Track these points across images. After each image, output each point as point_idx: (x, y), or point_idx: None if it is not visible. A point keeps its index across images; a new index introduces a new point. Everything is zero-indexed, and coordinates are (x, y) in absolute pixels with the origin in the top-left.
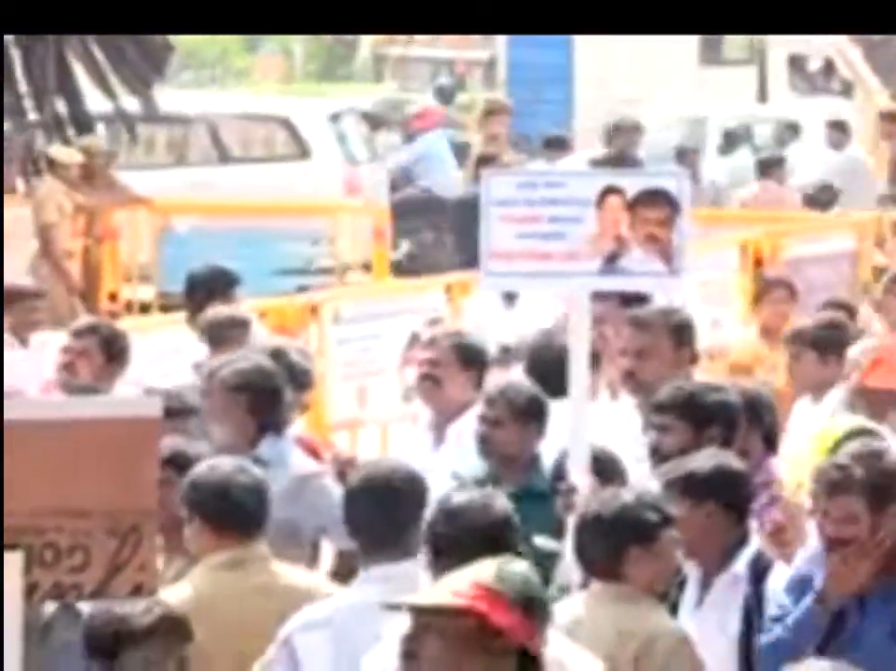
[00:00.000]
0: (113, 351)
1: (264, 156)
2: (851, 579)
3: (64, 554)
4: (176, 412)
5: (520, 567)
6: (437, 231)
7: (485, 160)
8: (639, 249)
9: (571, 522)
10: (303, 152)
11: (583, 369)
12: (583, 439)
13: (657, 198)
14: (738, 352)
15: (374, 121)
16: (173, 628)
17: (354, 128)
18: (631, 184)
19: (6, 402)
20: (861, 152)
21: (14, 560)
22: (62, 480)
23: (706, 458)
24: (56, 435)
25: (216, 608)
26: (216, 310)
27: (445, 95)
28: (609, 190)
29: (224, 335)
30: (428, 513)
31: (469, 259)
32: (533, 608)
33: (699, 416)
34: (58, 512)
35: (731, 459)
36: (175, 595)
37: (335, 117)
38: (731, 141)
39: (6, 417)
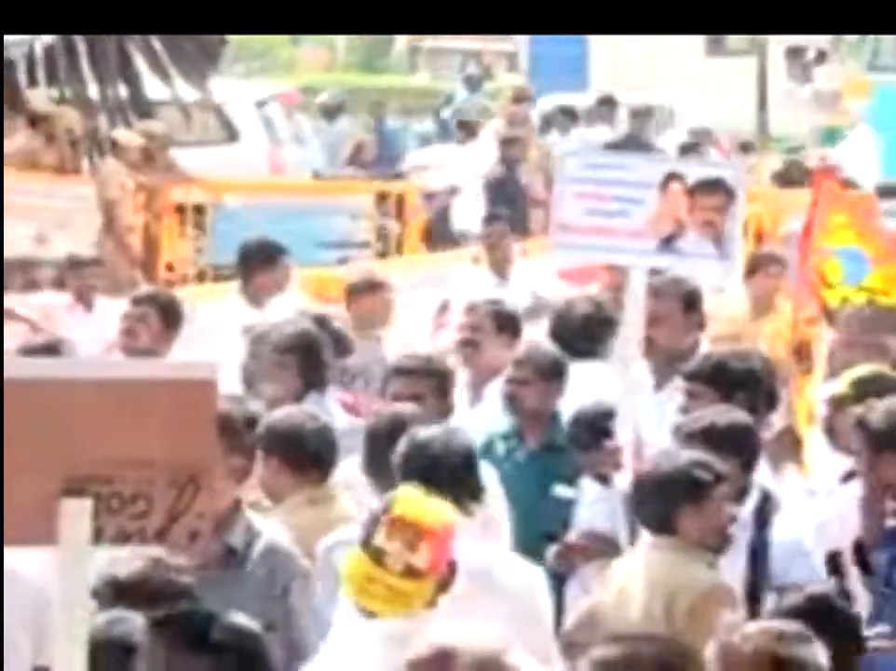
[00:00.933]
0: (169, 318)
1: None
2: None
3: (128, 501)
4: None
5: None
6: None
7: (510, 142)
8: (695, 232)
9: (618, 478)
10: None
11: (636, 335)
12: (632, 400)
13: (715, 187)
14: (723, 324)
15: (329, 110)
16: None
17: (278, 113)
18: (693, 171)
19: (75, 361)
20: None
21: (82, 506)
22: (128, 435)
23: (720, 414)
24: (122, 394)
25: (304, 541)
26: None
27: (473, 83)
28: (672, 176)
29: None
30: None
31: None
32: None
33: (726, 383)
34: (123, 463)
35: (743, 415)
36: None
37: (261, 104)
38: None
39: (75, 375)
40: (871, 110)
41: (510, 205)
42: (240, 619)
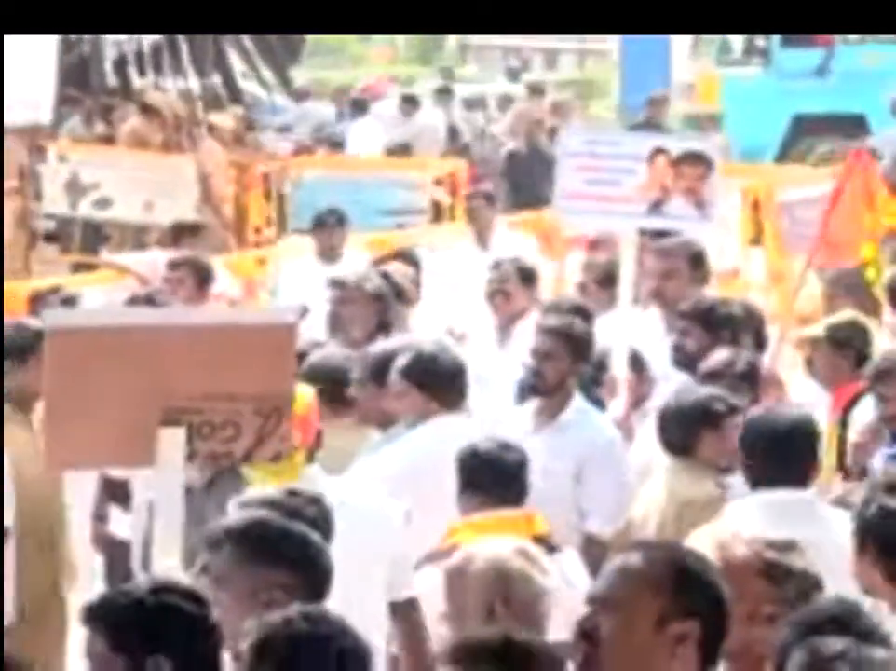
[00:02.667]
0: (202, 279)
1: None
2: None
3: (218, 428)
4: None
5: None
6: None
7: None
8: (679, 198)
9: (611, 404)
10: None
11: (628, 285)
12: (625, 341)
13: (696, 159)
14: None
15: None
16: None
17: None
18: (676, 146)
19: (172, 310)
20: None
21: (176, 434)
22: (216, 372)
23: (736, 355)
24: (212, 338)
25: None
26: None
27: (514, 74)
28: (658, 150)
29: None
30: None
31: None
32: None
33: (713, 323)
34: (213, 396)
35: (750, 356)
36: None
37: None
38: None
39: (171, 322)
40: (720, 102)
41: (531, 179)
42: (303, 531)
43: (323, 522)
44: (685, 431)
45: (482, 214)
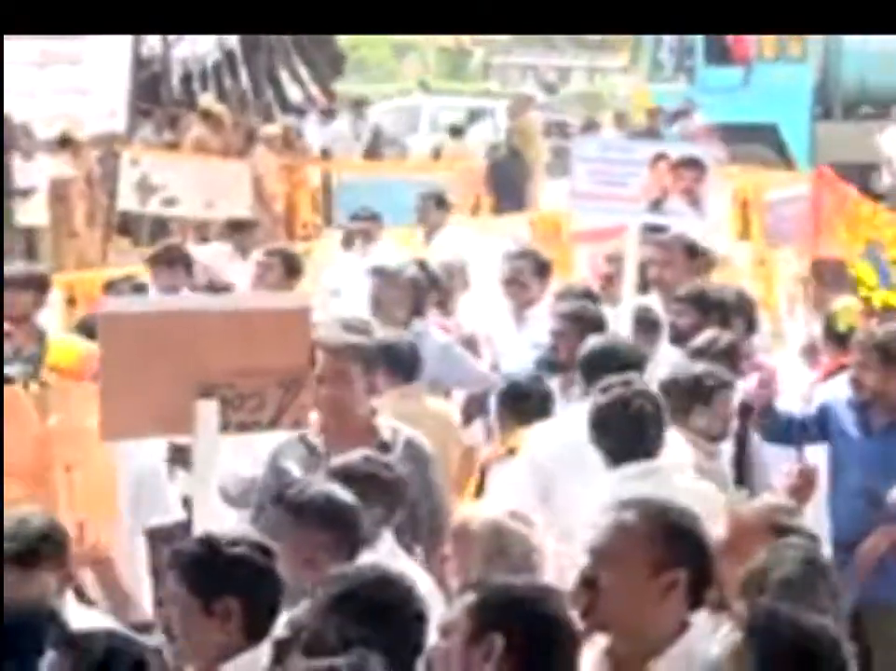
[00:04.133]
0: (291, 268)
1: None
2: None
3: (246, 399)
4: None
5: None
6: None
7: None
8: (677, 197)
9: None
10: None
11: (632, 272)
12: (627, 318)
13: (692, 163)
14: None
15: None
16: None
17: None
18: (675, 151)
19: (207, 296)
20: None
21: (211, 406)
22: (245, 350)
23: (721, 336)
24: (240, 320)
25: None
26: None
27: (549, 87)
28: (660, 156)
29: None
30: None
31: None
32: None
33: (705, 305)
34: (242, 372)
35: (731, 337)
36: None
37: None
38: None
39: (206, 307)
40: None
41: (512, 184)
42: (339, 492)
43: (395, 486)
44: (679, 403)
45: (431, 215)
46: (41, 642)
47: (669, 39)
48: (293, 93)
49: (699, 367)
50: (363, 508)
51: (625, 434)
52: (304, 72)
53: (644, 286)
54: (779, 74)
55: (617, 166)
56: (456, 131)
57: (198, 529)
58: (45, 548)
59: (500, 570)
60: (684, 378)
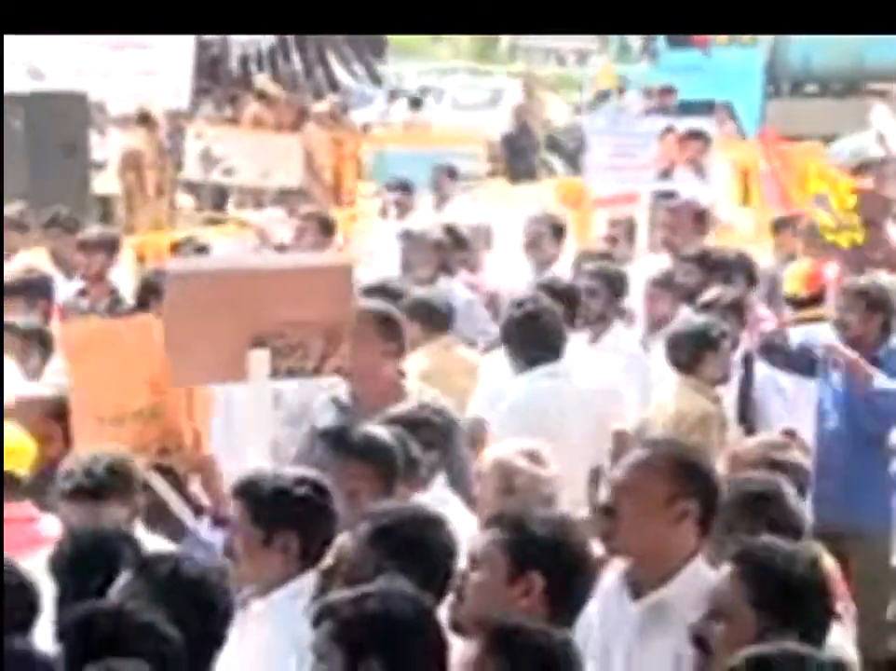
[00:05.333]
0: (326, 229)
1: None
2: None
3: (293, 348)
4: None
5: None
6: None
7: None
8: (683, 166)
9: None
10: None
11: (644, 234)
12: (643, 273)
13: (697, 136)
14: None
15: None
16: None
17: None
18: (682, 125)
19: (259, 255)
20: None
21: (262, 354)
22: (292, 304)
23: (726, 292)
24: (289, 277)
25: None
26: None
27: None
28: (668, 129)
29: None
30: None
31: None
32: None
33: (707, 265)
34: (289, 324)
35: (735, 292)
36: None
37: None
38: None
39: (261, 266)
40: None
41: (522, 154)
42: (377, 429)
43: (448, 432)
44: (689, 352)
45: (443, 185)
46: (115, 565)
47: None
48: (341, 74)
49: (703, 319)
50: (420, 453)
51: (534, 343)
52: (350, 54)
53: (651, 248)
54: (733, 56)
55: (628, 138)
56: (416, 103)
57: (252, 466)
58: (114, 483)
59: (510, 506)
60: (692, 330)
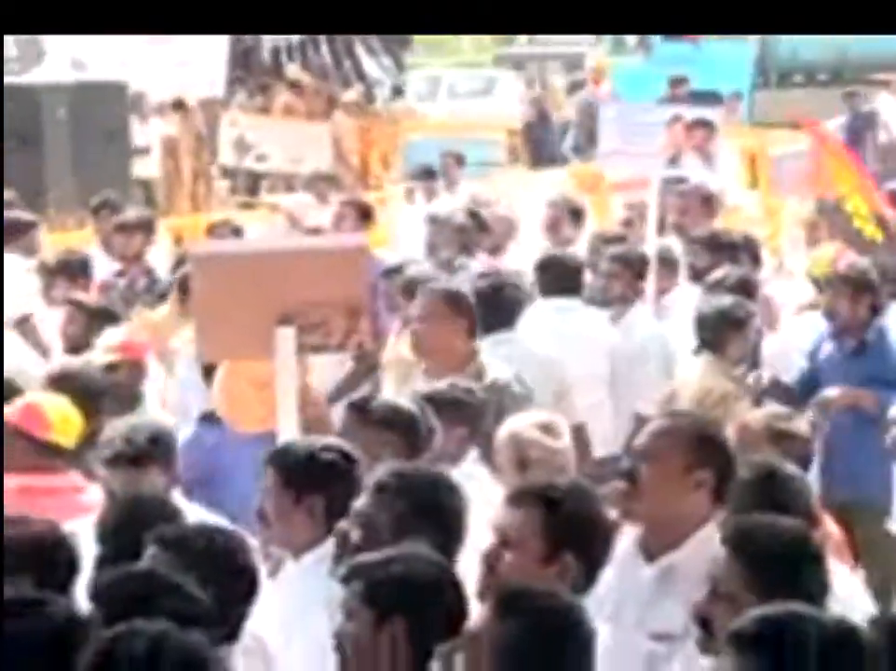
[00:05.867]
0: (363, 215)
1: None
2: None
3: (318, 326)
4: None
5: None
6: None
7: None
8: (690, 153)
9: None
10: None
11: (654, 216)
12: (654, 253)
13: (704, 124)
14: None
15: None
16: None
17: None
18: (689, 114)
19: (283, 238)
20: None
21: (288, 332)
22: (315, 284)
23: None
24: (312, 258)
25: None
26: None
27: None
28: (675, 118)
29: None
30: None
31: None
32: None
33: (715, 246)
34: (313, 303)
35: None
36: None
37: None
38: None
39: (285, 247)
40: (614, 87)
41: (541, 142)
42: (401, 400)
43: (477, 410)
44: (716, 332)
45: (451, 171)
46: (153, 529)
47: None
48: (368, 65)
49: (730, 300)
50: (446, 429)
51: (495, 311)
52: (377, 46)
53: (662, 229)
54: (723, 49)
55: (639, 126)
56: (397, 91)
57: (283, 436)
58: (154, 451)
59: (522, 476)
60: (719, 311)
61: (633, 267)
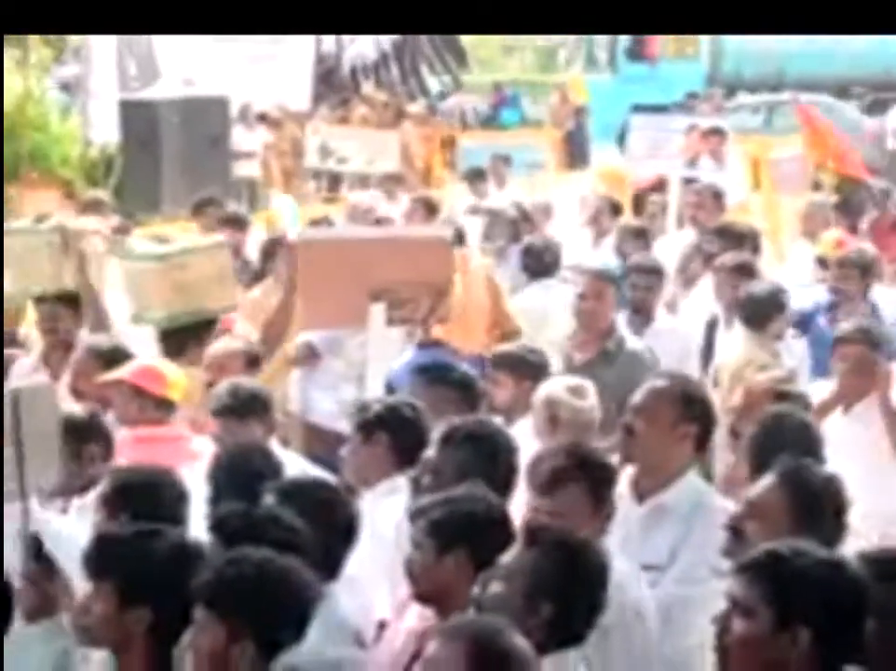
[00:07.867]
0: (430, 210)
1: None
2: None
3: (406, 302)
4: None
5: None
6: None
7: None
8: (706, 156)
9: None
10: None
11: (673, 213)
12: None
13: (717, 132)
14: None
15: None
16: None
17: None
18: (705, 122)
19: (375, 227)
20: None
21: (379, 306)
22: (403, 266)
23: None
24: (402, 244)
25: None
26: None
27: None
28: (692, 126)
29: None
30: None
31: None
32: None
33: (724, 237)
34: (401, 282)
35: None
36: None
37: None
38: None
39: (377, 235)
40: (589, 102)
41: (580, 150)
42: (463, 368)
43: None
44: (761, 312)
45: (500, 171)
46: (257, 474)
47: (602, 40)
48: (431, 81)
49: (774, 283)
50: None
51: (539, 261)
52: (438, 66)
53: (680, 222)
54: (678, 69)
55: (661, 133)
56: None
57: (371, 391)
58: (254, 405)
59: (554, 435)
60: (765, 293)
61: (655, 276)
